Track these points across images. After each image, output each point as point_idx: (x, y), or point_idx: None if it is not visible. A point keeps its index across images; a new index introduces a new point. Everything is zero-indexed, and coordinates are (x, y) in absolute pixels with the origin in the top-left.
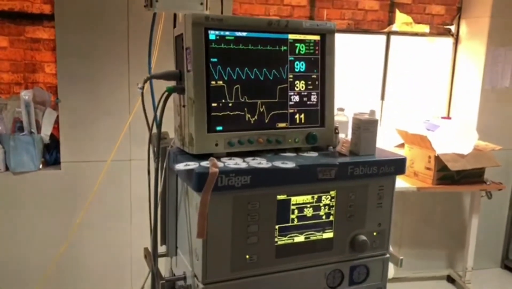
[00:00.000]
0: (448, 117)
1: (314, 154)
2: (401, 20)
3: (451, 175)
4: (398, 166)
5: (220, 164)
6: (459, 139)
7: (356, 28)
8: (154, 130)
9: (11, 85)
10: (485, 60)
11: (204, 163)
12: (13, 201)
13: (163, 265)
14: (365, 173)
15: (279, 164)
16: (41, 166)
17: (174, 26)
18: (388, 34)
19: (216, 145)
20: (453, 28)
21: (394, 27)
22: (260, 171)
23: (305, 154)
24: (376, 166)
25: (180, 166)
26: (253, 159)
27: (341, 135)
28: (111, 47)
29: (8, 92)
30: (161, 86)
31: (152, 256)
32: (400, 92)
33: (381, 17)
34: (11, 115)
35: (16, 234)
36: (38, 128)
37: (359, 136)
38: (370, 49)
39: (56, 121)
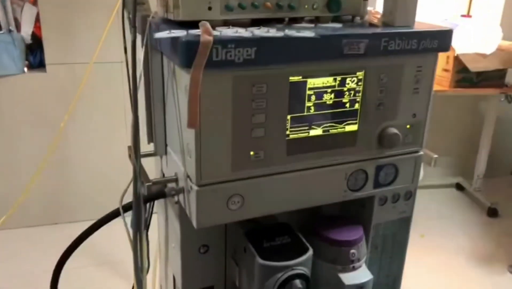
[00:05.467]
0: (469, 16)
1: (337, 25)
2: None
3: (470, 77)
4: (442, 39)
5: (216, 33)
6: (481, 38)
7: None
8: None
9: None
10: None
11: (194, 31)
12: None
13: (152, 166)
14: (402, 47)
15: (294, 33)
16: (26, 69)
17: None
18: None
19: (210, 8)
20: None
21: None
22: (268, 41)
23: (326, 25)
24: (416, 38)
25: (162, 34)
26: (258, 28)
27: (370, 8)
28: None
29: None
30: None
31: (133, 153)
32: None
33: None
34: None
35: (2, 141)
36: (18, 27)
37: (395, 1)
38: None
39: (37, 19)
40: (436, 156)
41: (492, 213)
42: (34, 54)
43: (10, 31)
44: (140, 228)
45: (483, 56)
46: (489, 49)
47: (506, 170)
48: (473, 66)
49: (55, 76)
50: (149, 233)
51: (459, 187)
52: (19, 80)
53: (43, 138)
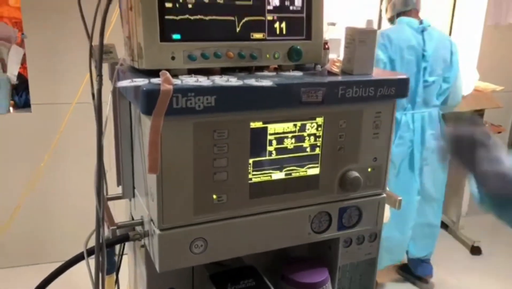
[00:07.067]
0: None
1: (298, 73)
2: None
3: (449, 117)
4: (399, 87)
5: (177, 81)
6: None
7: None
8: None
9: None
10: None
11: (156, 80)
12: None
13: (122, 209)
14: (360, 95)
15: (252, 82)
16: (11, 109)
17: None
18: None
19: (173, 58)
20: None
21: None
22: (227, 90)
23: (287, 73)
24: (373, 86)
25: (124, 83)
26: (220, 77)
27: (332, 55)
28: None
29: None
30: None
31: (96, 198)
32: None
33: None
34: None
35: None
36: (4, 68)
37: (354, 50)
38: None
39: (24, 60)
40: (400, 198)
41: (476, 251)
42: (19, 95)
43: None
44: (102, 272)
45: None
46: (466, 90)
47: None
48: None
49: (40, 116)
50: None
51: (443, 224)
52: (4, 119)
53: (25, 177)
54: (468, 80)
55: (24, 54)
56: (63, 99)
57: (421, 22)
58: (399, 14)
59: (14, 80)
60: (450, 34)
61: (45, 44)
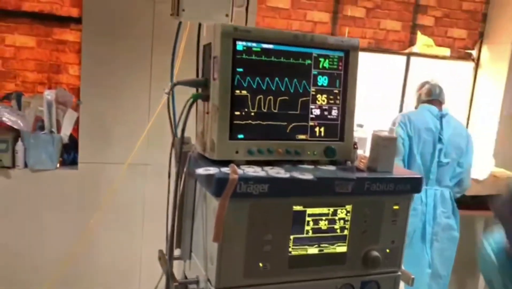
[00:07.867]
0: None
1: (332, 168)
2: (422, 42)
3: (466, 200)
4: (414, 184)
5: (240, 171)
6: (475, 164)
7: (377, 47)
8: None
9: (35, 85)
10: (506, 86)
11: (224, 169)
12: (29, 197)
13: (176, 268)
14: (382, 189)
15: (297, 174)
16: (58, 165)
17: (198, 36)
18: (409, 55)
19: (237, 152)
20: (474, 52)
21: (415, 49)
22: (278, 180)
23: (323, 167)
24: (392, 183)
25: (200, 171)
26: (271, 168)
27: (359, 152)
28: (135, 53)
29: (32, 91)
30: (183, 93)
31: (168, 258)
32: None
33: (402, 38)
34: (33, 113)
35: (30, 230)
36: (58, 128)
37: (378, 152)
38: (390, 69)
39: (76, 122)
40: (413, 276)
41: None
42: (68, 153)
43: (51, 132)
44: None
45: (477, 181)
46: (482, 175)
47: None
48: (468, 191)
49: (85, 174)
50: None
51: None
52: (52, 174)
53: (69, 232)
54: (485, 166)
55: (78, 117)
56: (106, 160)
57: (440, 110)
58: (423, 103)
59: (66, 140)
60: (468, 122)
61: (97, 110)
